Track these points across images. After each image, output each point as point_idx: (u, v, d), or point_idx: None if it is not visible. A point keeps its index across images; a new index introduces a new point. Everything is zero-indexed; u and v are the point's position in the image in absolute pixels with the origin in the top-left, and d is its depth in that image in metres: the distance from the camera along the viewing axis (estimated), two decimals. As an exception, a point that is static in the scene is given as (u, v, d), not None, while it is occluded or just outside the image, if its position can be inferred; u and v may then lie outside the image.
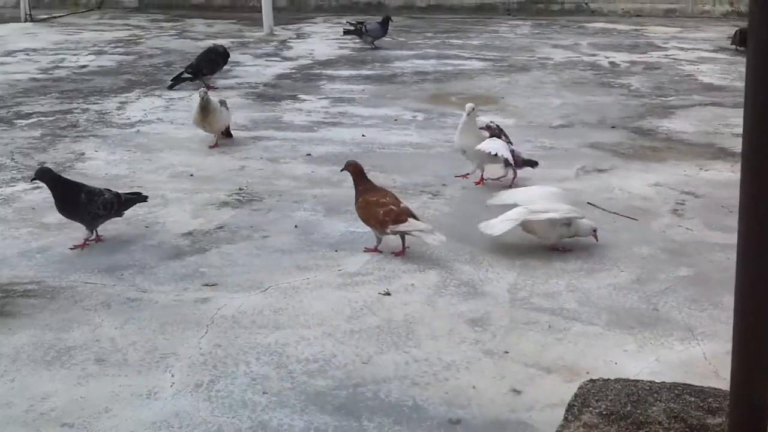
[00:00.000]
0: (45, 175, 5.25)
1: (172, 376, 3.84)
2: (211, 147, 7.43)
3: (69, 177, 6.36)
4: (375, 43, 12.88)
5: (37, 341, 4.14)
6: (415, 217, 5.22)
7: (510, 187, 6.27)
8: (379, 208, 5.22)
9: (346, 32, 13.08)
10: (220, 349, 4.08)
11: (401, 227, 5.19)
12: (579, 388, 2.92)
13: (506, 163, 6.36)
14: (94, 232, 5.32)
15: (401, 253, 5.21)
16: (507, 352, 4.08)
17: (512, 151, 6.32)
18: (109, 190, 5.38)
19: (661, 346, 4.15)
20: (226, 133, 7.61)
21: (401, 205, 5.26)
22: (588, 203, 6.09)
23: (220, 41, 11.74)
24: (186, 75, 9.77)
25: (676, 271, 5.02)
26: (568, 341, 4.19)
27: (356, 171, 5.41)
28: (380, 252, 5.23)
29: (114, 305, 4.52)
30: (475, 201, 6.16)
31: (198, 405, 3.62)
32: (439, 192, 6.40)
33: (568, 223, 5.22)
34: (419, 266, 5.07)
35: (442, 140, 7.80)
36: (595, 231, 5.31)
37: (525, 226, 5.26)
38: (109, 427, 3.47)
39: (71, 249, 5.22)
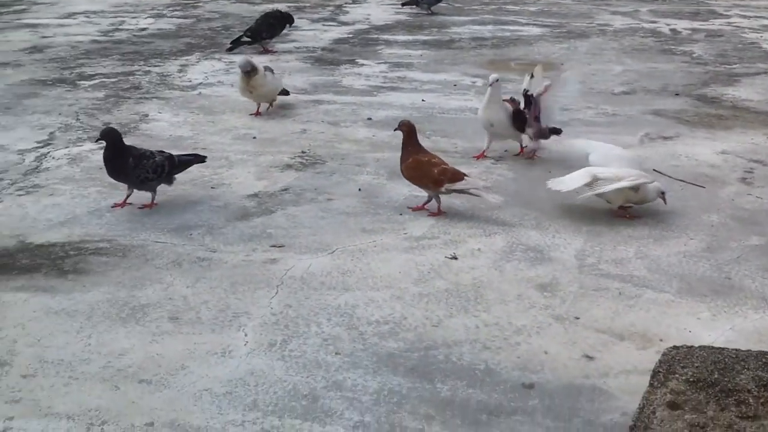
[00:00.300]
0: (109, 136, 5.20)
1: (246, 335, 3.88)
2: (253, 114, 7.32)
3: (134, 138, 6.47)
4: (432, 8, 12.78)
5: (111, 298, 4.20)
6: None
7: (532, 158, 6.27)
8: (433, 168, 5.21)
9: (405, 3, 13.01)
10: (291, 310, 4.11)
11: (458, 185, 5.20)
12: (663, 354, 2.89)
13: (537, 132, 6.26)
14: (153, 194, 5.30)
15: (438, 214, 5.22)
16: (578, 318, 4.06)
17: (538, 121, 6.20)
18: (162, 153, 5.36)
19: (735, 314, 4.11)
20: (282, 92, 7.54)
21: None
22: (654, 170, 6.01)
23: (277, 5, 11.71)
24: (245, 38, 9.79)
25: (747, 240, 4.95)
26: (639, 308, 4.15)
27: (410, 130, 5.36)
28: (444, 213, 5.25)
29: (185, 264, 4.57)
30: (540, 166, 6.12)
31: (272, 364, 3.65)
32: (502, 157, 6.36)
33: (635, 188, 5.15)
34: (485, 231, 5.06)
35: (502, 106, 7.72)
36: (663, 194, 5.23)
37: (592, 187, 5.20)
38: (187, 383, 3.52)
39: (140, 208, 5.26)
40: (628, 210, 5.26)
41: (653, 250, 4.80)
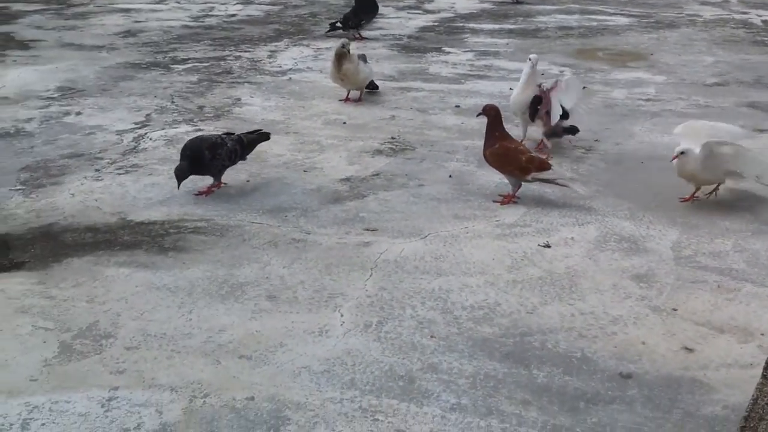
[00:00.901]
0: (189, 153, 5.17)
1: (342, 315, 3.93)
2: (342, 101, 7.34)
3: (227, 121, 6.59)
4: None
5: (210, 276, 4.30)
6: None
7: (539, 149, 6.08)
8: (520, 155, 5.20)
9: None
10: (385, 292, 4.15)
11: (544, 175, 5.18)
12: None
13: (550, 131, 6.11)
14: (220, 178, 5.37)
15: (509, 200, 5.22)
16: (675, 310, 4.02)
17: (548, 116, 6.04)
18: (230, 135, 5.40)
19: (838, 311, 4.02)
20: (371, 86, 7.56)
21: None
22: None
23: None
24: (338, 24, 9.96)
25: None
26: (739, 302, 4.09)
27: (496, 115, 5.33)
28: (518, 198, 5.25)
29: (281, 245, 4.65)
30: (631, 157, 6.05)
31: (369, 344, 3.70)
32: (592, 147, 6.30)
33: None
34: (577, 220, 5.03)
35: (591, 95, 7.65)
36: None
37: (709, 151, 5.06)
38: (286, 360, 3.58)
39: (196, 195, 5.29)
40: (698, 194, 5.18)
41: (752, 243, 4.72)
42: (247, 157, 5.54)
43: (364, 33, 10.08)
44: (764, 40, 10.17)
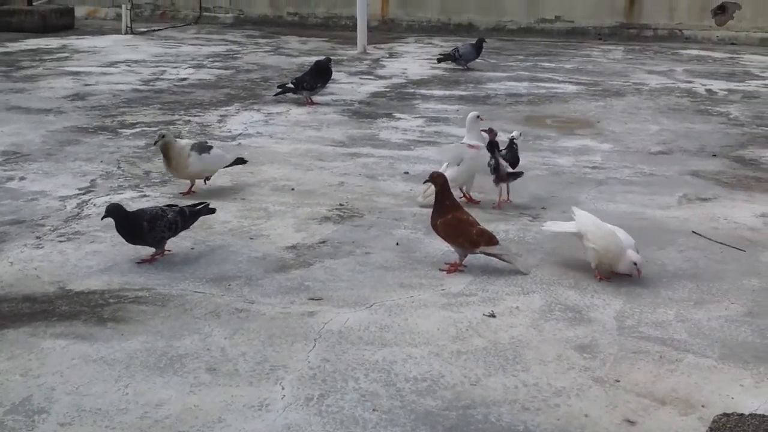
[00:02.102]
0: (113, 212, 5.17)
1: (283, 388, 3.87)
2: (183, 194, 6.54)
3: (175, 187, 6.53)
4: (468, 64, 12.89)
5: (149, 347, 4.21)
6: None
7: (498, 207, 6.39)
8: (471, 228, 5.22)
9: (440, 60, 13.06)
10: (328, 364, 4.09)
11: (491, 249, 5.21)
12: (713, 422, 2.84)
13: (496, 177, 6.34)
14: (161, 248, 5.32)
15: (456, 269, 5.23)
16: (618, 381, 4.01)
17: (497, 164, 6.27)
18: (172, 208, 5.35)
19: (778, 382, 4.04)
20: (238, 161, 6.86)
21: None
22: (693, 232, 5.98)
23: (314, 58, 11.84)
24: (289, 85, 10.00)
25: (790, 306, 4.89)
26: (681, 372, 4.10)
27: (444, 183, 5.34)
28: (464, 267, 5.26)
29: (223, 315, 4.58)
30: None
31: (310, 419, 3.63)
32: (539, 215, 6.34)
33: (607, 249, 5.09)
34: (522, 289, 5.03)
35: (538, 162, 7.75)
36: (636, 265, 5.06)
37: (578, 236, 5.26)
38: (224, 436, 3.51)
39: (138, 263, 5.23)
40: (607, 274, 5.19)
41: (694, 313, 4.75)
42: (192, 224, 5.48)
43: (316, 98, 10.12)
44: (708, 109, 10.40)
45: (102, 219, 5.26)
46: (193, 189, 6.57)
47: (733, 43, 16.47)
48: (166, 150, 6.36)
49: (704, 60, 14.54)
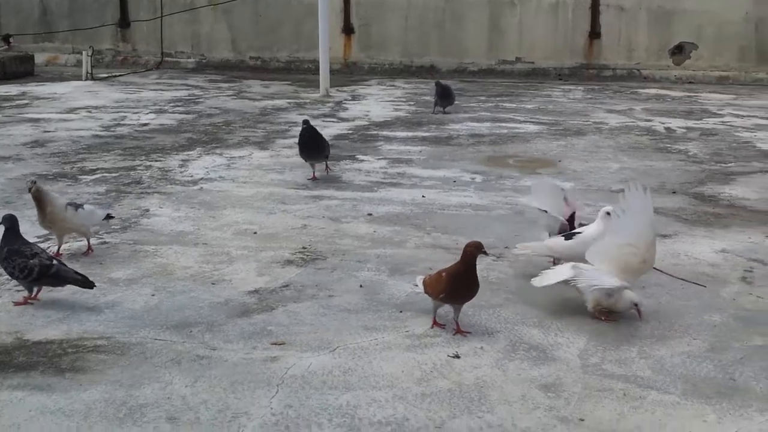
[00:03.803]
0: (7, 221, 5.28)
1: (245, 436, 3.82)
2: (86, 254, 6.23)
3: (135, 233, 6.49)
4: (446, 109, 12.69)
5: (108, 397, 4.14)
6: None
7: None
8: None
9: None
10: (291, 410, 4.04)
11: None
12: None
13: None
14: (33, 290, 5.23)
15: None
16: (582, 420, 4.00)
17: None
18: (48, 258, 5.21)
19: (741, 417, 4.05)
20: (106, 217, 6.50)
21: None
22: (654, 268, 6.01)
23: (277, 102, 11.87)
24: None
25: (750, 340, 4.91)
26: (644, 410, 4.10)
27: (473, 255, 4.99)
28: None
29: (184, 362, 4.52)
30: (540, 264, 6.10)
31: (272, 466, 3.58)
32: (502, 254, 6.36)
33: (609, 293, 5.12)
34: (486, 329, 5.03)
35: (501, 202, 7.79)
36: (637, 305, 5.13)
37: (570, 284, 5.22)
38: (184, 486, 3.44)
39: (15, 305, 5.21)
40: (605, 313, 5.20)
41: (656, 350, 4.77)
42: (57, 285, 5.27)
43: (278, 141, 10.11)
44: (667, 147, 10.53)
45: None
46: (61, 251, 6.15)
47: (690, 82, 16.75)
48: (40, 198, 6.01)
49: (663, 98, 14.77)
